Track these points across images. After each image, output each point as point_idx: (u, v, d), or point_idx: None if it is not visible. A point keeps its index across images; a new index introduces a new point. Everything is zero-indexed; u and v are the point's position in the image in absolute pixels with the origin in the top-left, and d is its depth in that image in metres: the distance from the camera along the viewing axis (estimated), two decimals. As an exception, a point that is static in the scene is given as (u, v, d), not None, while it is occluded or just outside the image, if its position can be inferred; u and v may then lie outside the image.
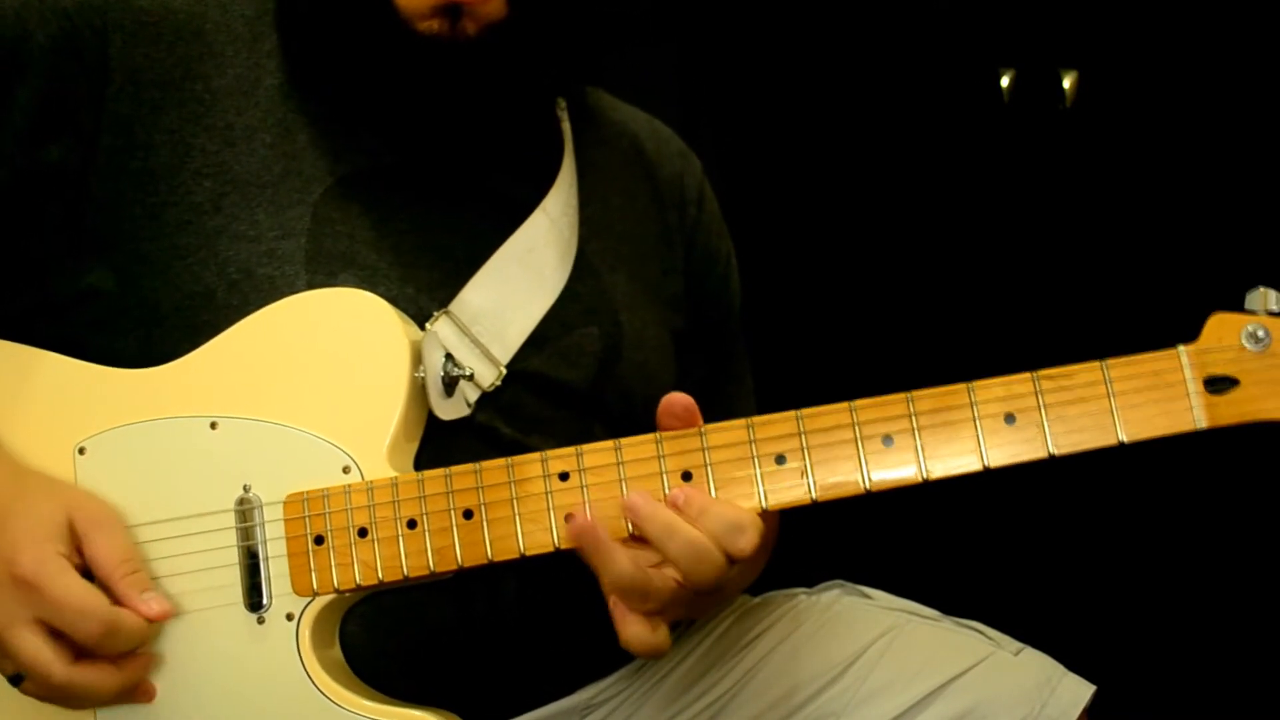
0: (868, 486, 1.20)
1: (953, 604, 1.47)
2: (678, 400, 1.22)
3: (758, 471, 1.21)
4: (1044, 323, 2.59)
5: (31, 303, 1.33)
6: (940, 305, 2.69)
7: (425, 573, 1.24)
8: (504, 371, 1.34)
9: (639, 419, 1.27)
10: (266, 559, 1.25)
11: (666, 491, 1.20)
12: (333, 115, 1.37)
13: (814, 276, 2.74)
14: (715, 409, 1.29)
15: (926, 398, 1.20)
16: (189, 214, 1.31)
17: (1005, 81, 2.64)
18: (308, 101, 1.37)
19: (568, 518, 1.22)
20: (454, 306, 1.33)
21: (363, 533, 1.24)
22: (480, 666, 1.33)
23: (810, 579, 1.53)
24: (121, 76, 1.31)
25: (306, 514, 1.25)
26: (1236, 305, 1.19)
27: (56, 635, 1.18)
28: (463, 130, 1.37)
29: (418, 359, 1.29)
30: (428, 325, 1.31)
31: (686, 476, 1.21)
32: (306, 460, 1.26)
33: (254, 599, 1.25)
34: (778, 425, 1.21)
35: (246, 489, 1.26)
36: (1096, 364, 1.19)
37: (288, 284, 1.30)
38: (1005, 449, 1.19)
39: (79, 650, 1.19)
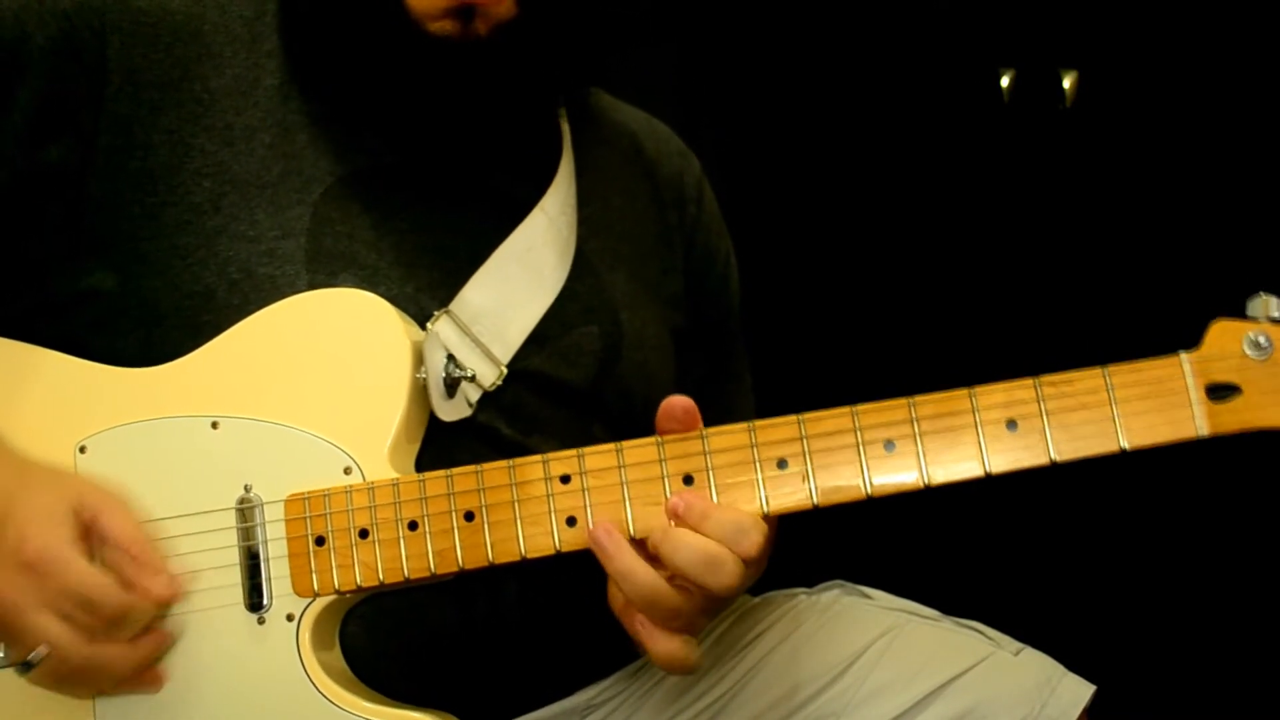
0: (869, 491, 1.20)
1: (953, 604, 1.47)
2: (677, 403, 1.22)
3: (759, 476, 1.21)
4: (1046, 327, 2.59)
5: (31, 303, 1.33)
6: (941, 308, 2.69)
7: (426, 574, 1.24)
8: (505, 371, 1.34)
9: (638, 418, 1.27)
10: (267, 559, 1.25)
11: (668, 495, 1.20)
12: (333, 115, 1.37)
13: (814, 276, 2.74)
14: (714, 408, 1.29)
15: (928, 403, 1.20)
16: (188, 214, 1.31)
17: (1005, 81, 2.63)
18: (308, 101, 1.37)
19: (570, 521, 1.22)
20: (454, 306, 1.33)
21: (364, 534, 1.24)
22: (481, 668, 1.33)
23: (810, 579, 1.53)
24: (120, 77, 1.31)
25: (307, 514, 1.25)
26: (1238, 312, 1.19)
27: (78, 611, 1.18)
28: (468, 130, 1.38)
29: (419, 359, 1.29)
30: (429, 325, 1.31)
31: (688, 480, 1.21)
32: (307, 461, 1.26)
33: (254, 599, 1.25)
34: (779, 429, 1.21)
35: (247, 489, 1.26)
36: (1098, 370, 1.19)
37: (288, 284, 1.30)
38: (1007, 455, 1.19)
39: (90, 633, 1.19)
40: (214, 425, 1.27)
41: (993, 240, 2.68)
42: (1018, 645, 1.40)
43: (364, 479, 1.25)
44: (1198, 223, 2.55)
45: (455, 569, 1.24)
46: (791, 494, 1.21)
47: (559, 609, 1.34)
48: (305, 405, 1.27)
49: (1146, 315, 2.09)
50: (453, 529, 1.24)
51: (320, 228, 1.32)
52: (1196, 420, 1.18)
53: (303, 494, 1.25)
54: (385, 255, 1.34)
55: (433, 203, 1.38)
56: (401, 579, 1.24)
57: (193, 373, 1.29)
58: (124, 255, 1.30)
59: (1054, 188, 2.66)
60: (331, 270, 1.31)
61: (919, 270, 2.71)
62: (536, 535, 1.23)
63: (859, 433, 1.20)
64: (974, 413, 1.19)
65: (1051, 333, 2.55)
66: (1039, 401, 1.19)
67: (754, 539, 1.18)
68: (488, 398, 1.33)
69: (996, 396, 1.20)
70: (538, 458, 1.23)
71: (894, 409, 1.21)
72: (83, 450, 1.28)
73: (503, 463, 1.24)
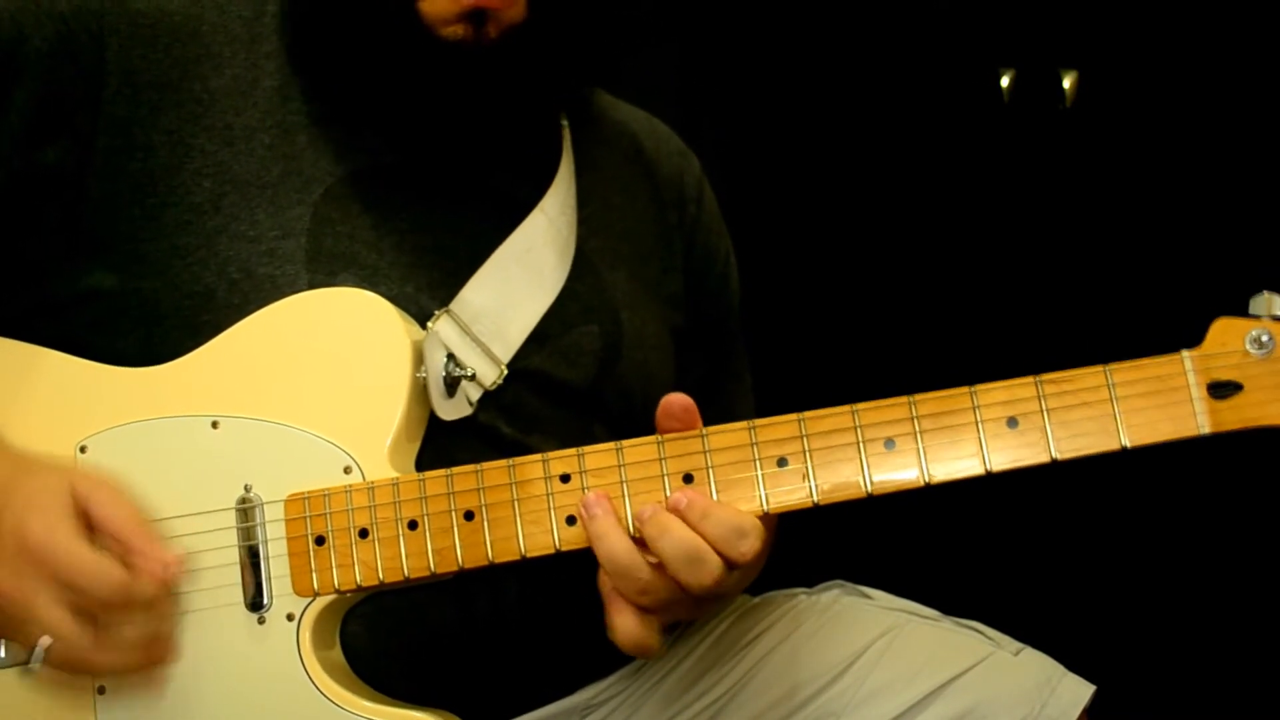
0: (869, 489, 1.20)
1: (953, 604, 1.47)
2: (676, 401, 1.22)
3: (759, 474, 1.21)
4: (1046, 326, 2.59)
5: (31, 303, 1.33)
6: (942, 307, 2.69)
7: (426, 574, 1.24)
8: (505, 370, 1.34)
9: (638, 418, 1.27)
10: (267, 559, 1.25)
11: (668, 493, 1.20)
12: (333, 115, 1.37)
13: (814, 276, 2.74)
14: (714, 407, 1.29)
15: (928, 401, 1.20)
16: (189, 214, 1.31)
17: (1005, 81, 2.64)
18: (308, 102, 1.37)
19: (569, 520, 1.22)
20: (455, 305, 1.33)
21: (364, 533, 1.24)
22: (481, 667, 1.33)
23: (810, 579, 1.53)
24: (118, 79, 1.31)
25: (307, 514, 1.25)
26: (1240, 310, 1.19)
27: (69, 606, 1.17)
28: (472, 131, 1.38)
29: (419, 359, 1.29)
30: (429, 324, 1.31)
31: (688, 479, 1.21)
32: (307, 460, 1.26)
33: (255, 599, 1.25)
34: (779, 428, 1.21)
35: (247, 489, 1.26)
36: (1100, 368, 1.19)
37: (288, 283, 1.30)
38: (1007, 453, 1.19)
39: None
40: (214, 425, 1.27)
41: (993, 240, 2.68)
42: (1018, 645, 1.40)
43: (364, 478, 1.25)
44: (1198, 221, 2.55)
45: (455, 568, 1.24)
46: (792, 492, 1.21)
47: (559, 608, 1.34)
48: (305, 405, 1.27)
49: (1148, 314, 2.09)
50: (452, 528, 1.23)
51: (320, 227, 1.32)
52: (1198, 418, 1.17)
53: (303, 493, 1.25)
54: (385, 255, 1.34)
55: (433, 203, 1.38)
56: (401, 578, 1.24)
57: (192, 372, 1.29)
58: (124, 255, 1.30)
59: (1054, 188, 2.66)
60: (331, 270, 1.31)
61: (919, 270, 2.71)
62: (536, 534, 1.23)
63: (859, 431, 1.20)
64: (974, 410, 1.19)
65: (1053, 332, 2.56)
66: (1040, 399, 1.19)
67: (751, 543, 1.18)
68: (488, 397, 1.33)
69: (997, 394, 1.19)
70: (537, 457, 1.23)
71: (894, 407, 1.20)
72: (83, 450, 1.28)
73: (502, 462, 1.24)
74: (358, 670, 1.29)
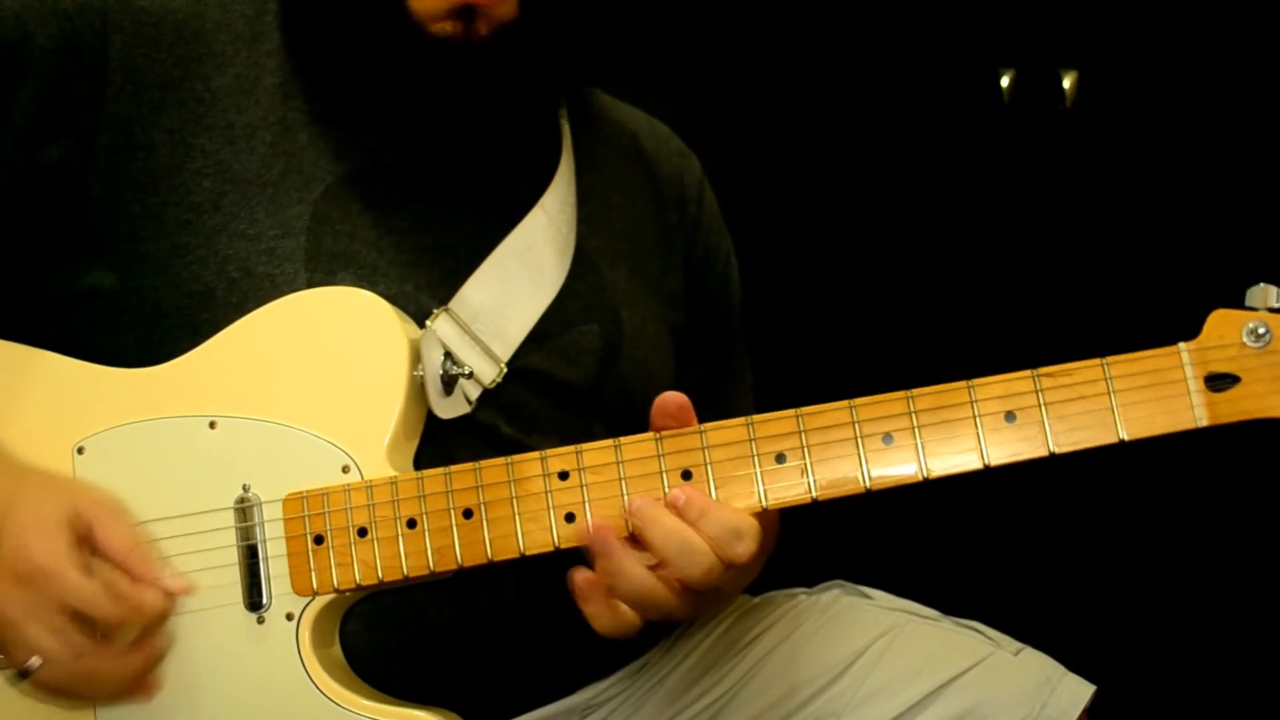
0: (868, 485, 1.20)
1: (953, 604, 1.47)
2: (671, 399, 1.22)
3: (758, 470, 1.21)
4: (1044, 321, 2.59)
5: (31, 302, 1.33)
6: (940, 304, 2.69)
7: (425, 572, 1.24)
8: (505, 369, 1.34)
9: (638, 417, 1.27)
10: (266, 559, 1.25)
11: (666, 490, 1.20)
12: (334, 114, 1.37)
13: (814, 276, 2.74)
14: (714, 407, 1.29)
15: (926, 396, 1.20)
16: (189, 213, 1.31)
17: (1005, 81, 2.64)
18: (308, 100, 1.37)
19: (568, 518, 1.22)
20: (454, 304, 1.33)
21: (362, 532, 1.24)
22: (481, 666, 1.33)
23: (810, 579, 1.53)
24: (121, 77, 1.31)
25: (306, 513, 1.25)
26: (1237, 302, 1.19)
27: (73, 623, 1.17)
28: (468, 130, 1.38)
29: (416, 357, 1.29)
30: (428, 323, 1.31)
31: (686, 475, 1.21)
32: (306, 459, 1.26)
33: (254, 599, 1.25)
34: (778, 424, 1.21)
35: (246, 488, 1.26)
36: (1097, 362, 1.19)
37: (287, 282, 1.30)
38: (1006, 447, 1.19)
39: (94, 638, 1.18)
40: (212, 425, 1.27)
41: (992, 239, 2.68)
42: (1018, 645, 1.40)
43: (362, 477, 1.25)
44: (1196, 216, 2.55)
45: (454, 566, 1.24)
46: (790, 488, 1.21)
47: (559, 607, 1.33)
48: (303, 404, 1.27)
49: (1145, 308, 2.09)
50: (451, 526, 1.23)
51: (320, 226, 1.32)
52: (1195, 410, 1.17)
53: (301, 493, 1.25)
54: (385, 254, 1.34)
55: (433, 202, 1.38)
56: (400, 577, 1.24)
57: (190, 372, 1.29)
58: (124, 254, 1.30)
59: (1054, 187, 2.66)
60: (331, 269, 1.31)
61: (919, 268, 2.71)
62: (535, 532, 1.23)
63: (857, 426, 1.20)
64: (972, 405, 1.19)
65: (1051, 326, 2.55)
66: (1037, 393, 1.19)
67: (747, 545, 1.18)
68: (487, 396, 1.33)
69: (994, 389, 1.20)
70: (536, 454, 1.23)
71: (892, 402, 1.20)
72: (81, 451, 1.28)
73: (500, 460, 1.23)
74: (357, 669, 1.29)
